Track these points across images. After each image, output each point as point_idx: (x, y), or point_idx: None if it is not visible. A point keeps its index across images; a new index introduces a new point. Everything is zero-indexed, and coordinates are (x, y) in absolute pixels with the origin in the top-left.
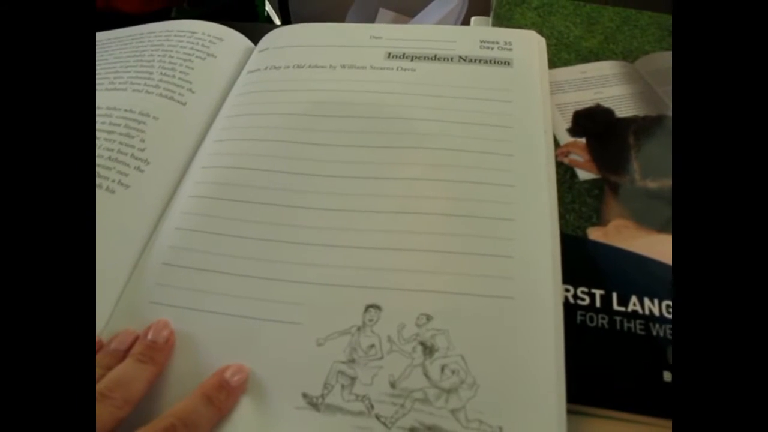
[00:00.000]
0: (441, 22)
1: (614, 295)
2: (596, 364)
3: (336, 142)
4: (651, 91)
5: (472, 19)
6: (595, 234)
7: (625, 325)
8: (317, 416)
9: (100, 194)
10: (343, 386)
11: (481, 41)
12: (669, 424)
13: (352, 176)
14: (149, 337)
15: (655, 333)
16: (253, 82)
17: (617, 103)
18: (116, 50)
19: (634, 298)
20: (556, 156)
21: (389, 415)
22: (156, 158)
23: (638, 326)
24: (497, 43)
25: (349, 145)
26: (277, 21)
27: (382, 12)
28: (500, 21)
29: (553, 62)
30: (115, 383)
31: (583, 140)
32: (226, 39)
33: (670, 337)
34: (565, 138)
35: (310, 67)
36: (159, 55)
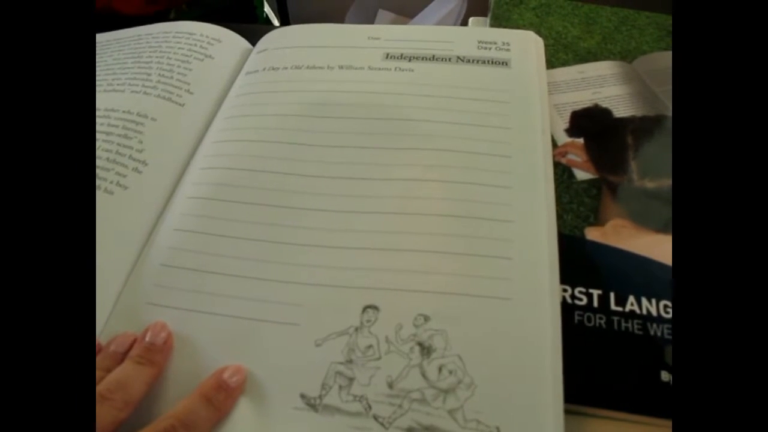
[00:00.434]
0: (440, 23)
1: (612, 295)
2: (594, 364)
3: (334, 143)
4: (649, 91)
5: (470, 19)
6: (592, 234)
7: (623, 324)
8: (315, 417)
9: (98, 195)
10: (340, 387)
11: (479, 42)
12: (666, 423)
13: (350, 177)
14: (147, 339)
15: (652, 333)
16: (251, 83)
17: (615, 103)
18: (114, 51)
19: (631, 298)
20: (554, 156)
21: (387, 416)
22: (154, 159)
23: (636, 326)
24: (495, 43)
25: (347, 146)
26: (276, 22)
27: (381, 13)
28: (498, 21)
29: (551, 62)
30: (114, 385)
31: (580, 140)
32: (224, 40)
33: (667, 336)
34: (563, 138)
35: (308, 68)
36: (157, 57)
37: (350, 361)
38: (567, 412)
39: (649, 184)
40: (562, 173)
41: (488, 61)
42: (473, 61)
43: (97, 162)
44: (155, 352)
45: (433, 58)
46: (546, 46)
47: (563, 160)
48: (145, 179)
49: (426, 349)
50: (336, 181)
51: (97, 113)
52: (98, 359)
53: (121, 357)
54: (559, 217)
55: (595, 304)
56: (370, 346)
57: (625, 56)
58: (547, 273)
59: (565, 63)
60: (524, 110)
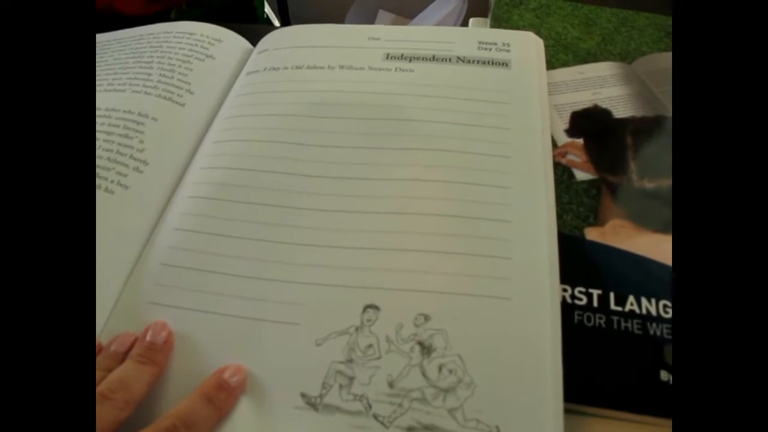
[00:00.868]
0: (440, 23)
1: (612, 295)
2: (593, 363)
3: (334, 143)
4: (648, 92)
5: (471, 20)
6: (592, 234)
7: (623, 324)
8: (315, 416)
9: (99, 195)
10: (341, 386)
11: (480, 42)
12: (666, 423)
13: (350, 177)
14: (148, 338)
15: (652, 332)
16: (252, 83)
17: (615, 103)
18: (115, 51)
19: (631, 298)
20: (554, 156)
21: (387, 415)
22: (155, 159)
23: (635, 326)
24: (495, 44)
25: (348, 146)
26: (277, 23)
27: (382, 14)
28: (498, 22)
29: (551, 63)
30: (116, 385)
31: (580, 141)
32: (225, 40)
33: (667, 336)
34: (563, 138)
35: (308, 68)
36: (158, 57)
37: (351, 361)
38: (566, 411)
39: (649, 185)
40: (562, 173)
41: (488, 62)
42: (473, 61)
43: (98, 161)
44: (156, 352)
45: (434, 59)
46: (546, 46)
47: (563, 161)
48: (145, 179)
49: (426, 349)
50: (336, 181)
51: (98, 113)
52: (99, 359)
53: (122, 356)
54: (559, 217)
55: (595, 303)
56: (370, 346)
57: (625, 57)
58: (546, 273)
59: (565, 64)
60: (524, 111)
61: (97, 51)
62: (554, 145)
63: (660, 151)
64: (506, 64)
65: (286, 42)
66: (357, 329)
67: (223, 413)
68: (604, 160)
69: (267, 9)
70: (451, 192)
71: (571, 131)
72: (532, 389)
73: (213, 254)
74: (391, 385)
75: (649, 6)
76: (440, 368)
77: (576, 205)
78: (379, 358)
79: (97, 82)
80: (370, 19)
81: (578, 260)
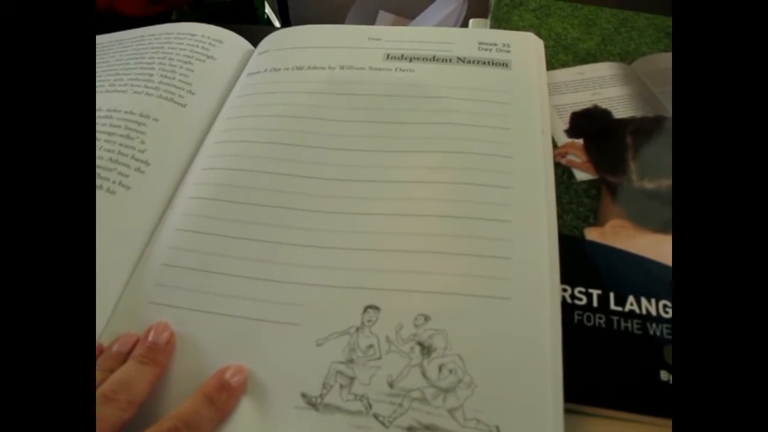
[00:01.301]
0: (440, 24)
1: (611, 295)
2: (593, 363)
3: (335, 144)
4: (648, 93)
5: (471, 21)
6: (592, 234)
7: (622, 324)
8: (316, 416)
9: (100, 195)
10: (341, 386)
11: (480, 43)
12: (665, 422)
13: (350, 179)
14: (150, 338)
15: (651, 332)
16: (253, 84)
17: (615, 104)
18: (117, 52)
19: (631, 298)
20: (554, 157)
21: (387, 415)
22: (156, 160)
23: (635, 326)
24: (495, 44)
25: (348, 147)
26: (277, 23)
27: (382, 14)
28: (498, 23)
29: (551, 64)
30: (118, 385)
31: (580, 141)
32: (226, 41)
33: (666, 336)
34: (563, 139)
35: (309, 68)
36: (159, 58)
37: (351, 361)
38: (566, 411)
39: (648, 185)
40: (562, 174)
41: (489, 62)
42: (474, 62)
43: (100, 162)
44: (158, 352)
45: (434, 59)
46: (546, 47)
47: (563, 161)
48: (147, 179)
49: (426, 349)
50: (337, 182)
51: (100, 113)
52: (101, 360)
53: (124, 357)
54: (559, 217)
55: (595, 303)
56: (370, 346)
57: (625, 57)
58: (547, 273)
59: (564, 64)
60: (524, 111)
61: (99, 52)
62: (554, 145)
63: (660, 151)
64: (506, 65)
65: (287, 43)
66: (357, 330)
67: (224, 414)
68: (604, 161)
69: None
70: (451, 192)
71: (571, 131)
72: (532, 389)
73: (214, 255)
74: (391, 385)
75: (649, 7)
76: (440, 368)
77: (576, 205)
78: (380, 358)
79: (98, 83)
80: (370, 20)
81: (578, 260)
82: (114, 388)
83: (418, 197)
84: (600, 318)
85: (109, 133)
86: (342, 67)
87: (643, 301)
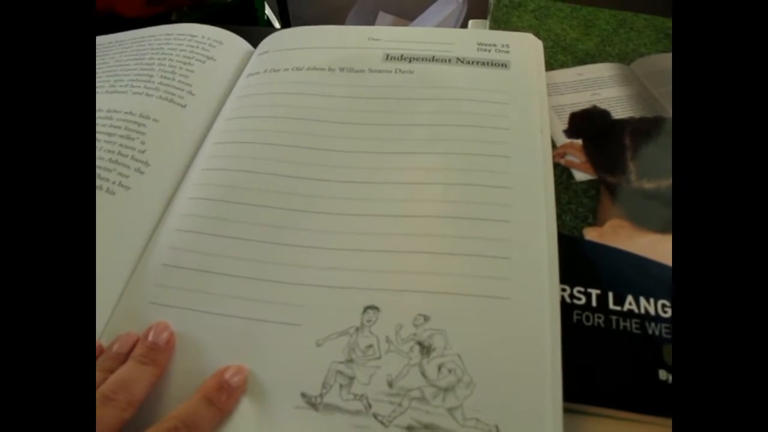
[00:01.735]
0: (440, 25)
1: (610, 295)
2: (592, 362)
3: (334, 146)
4: (647, 93)
5: (470, 22)
6: (591, 234)
7: (621, 324)
8: (315, 415)
9: (100, 196)
10: (341, 386)
11: (479, 43)
12: (664, 422)
13: (349, 180)
14: (150, 338)
15: (650, 332)
16: (252, 84)
17: (613, 104)
18: (116, 53)
19: (630, 298)
20: (553, 157)
21: (387, 414)
22: (156, 160)
23: (634, 325)
24: (494, 45)
25: (348, 149)
26: (277, 24)
27: (382, 15)
28: (497, 24)
29: (550, 64)
30: (118, 385)
31: (579, 142)
32: (226, 42)
33: (665, 336)
34: (562, 139)
35: (309, 69)
36: (159, 58)
37: (351, 361)
38: (566, 410)
39: (647, 185)
40: (561, 174)
41: (488, 63)
42: (473, 62)
43: (100, 163)
44: (158, 352)
45: (433, 59)
46: (545, 48)
47: (562, 161)
48: (147, 180)
49: (426, 349)
50: (336, 183)
51: (100, 114)
52: (101, 360)
53: (124, 357)
54: (558, 217)
55: (594, 303)
56: (370, 346)
57: (624, 58)
58: (546, 273)
59: (563, 65)
60: (523, 111)
61: (99, 53)
62: (553, 145)
63: (658, 151)
64: (505, 65)
65: (286, 44)
66: (357, 330)
67: (224, 414)
68: (603, 161)
69: (267, 11)
70: (450, 193)
71: (570, 132)
72: (532, 388)
73: (214, 255)
74: (390, 384)
75: (648, 7)
76: (439, 368)
77: (575, 205)
78: (379, 358)
79: (98, 84)
80: (370, 21)
81: (577, 260)
82: (114, 388)
83: (417, 198)
84: (599, 317)
85: (109, 134)
86: (342, 68)
87: (642, 300)
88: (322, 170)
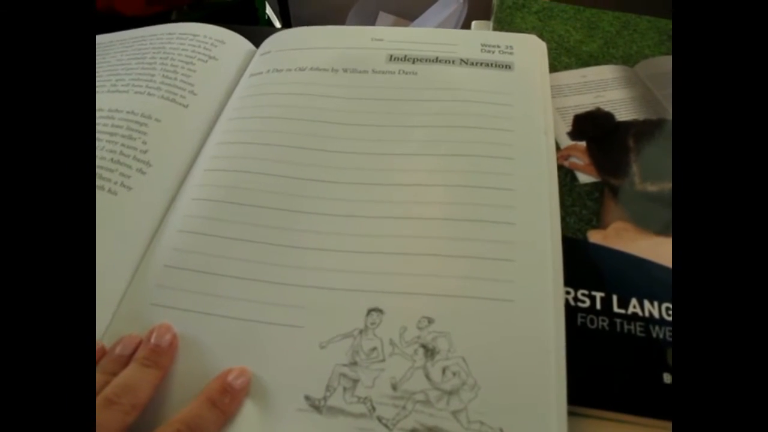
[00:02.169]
0: (440, 26)
1: (614, 298)
2: (596, 365)
3: (337, 147)
4: (650, 95)
5: (473, 23)
6: (595, 237)
7: (625, 327)
8: (319, 418)
9: (102, 196)
10: (345, 388)
11: (483, 45)
12: (668, 425)
13: (353, 182)
14: (152, 341)
15: (654, 335)
16: (254, 84)
17: (617, 106)
18: (118, 53)
19: (634, 301)
20: (557, 159)
21: (391, 417)
22: (158, 160)
23: (638, 328)
24: (498, 46)
25: (351, 150)
26: (278, 24)
27: (382, 15)
28: (501, 25)
29: (554, 66)
30: (121, 389)
31: (583, 144)
32: (228, 42)
33: (669, 339)
34: (566, 141)
35: (311, 69)
36: (161, 58)
37: (354, 363)
38: (570, 413)
39: (651, 187)
40: (565, 176)
41: (492, 64)
42: (477, 63)
43: (101, 162)
44: (161, 354)
45: (437, 60)
46: (548, 49)
47: (566, 163)
48: (149, 180)
49: (430, 351)
50: (339, 185)
51: (101, 114)
52: (103, 362)
53: (127, 359)
54: (562, 219)
55: (598, 306)
56: (374, 349)
57: (627, 60)
58: (550, 275)
59: (567, 67)
60: (527, 113)
61: (100, 52)
62: (557, 147)
63: (662, 154)
64: (509, 67)
65: (289, 44)
66: (361, 332)
67: (227, 416)
68: (607, 163)
69: (268, 10)
70: (454, 195)
71: (574, 134)
72: (536, 391)
73: (217, 256)
74: (394, 387)
75: (651, 9)
76: (444, 371)
77: (579, 207)
78: (383, 360)
79: (99, 84)
80: (370, 21)
81: (581, 263)
82: (117, 391)
83: (421, 200)
84: (603, 320)
85: (111, 134)
86: (345, 69)
87: (646, 303)
88: (325, 171)
